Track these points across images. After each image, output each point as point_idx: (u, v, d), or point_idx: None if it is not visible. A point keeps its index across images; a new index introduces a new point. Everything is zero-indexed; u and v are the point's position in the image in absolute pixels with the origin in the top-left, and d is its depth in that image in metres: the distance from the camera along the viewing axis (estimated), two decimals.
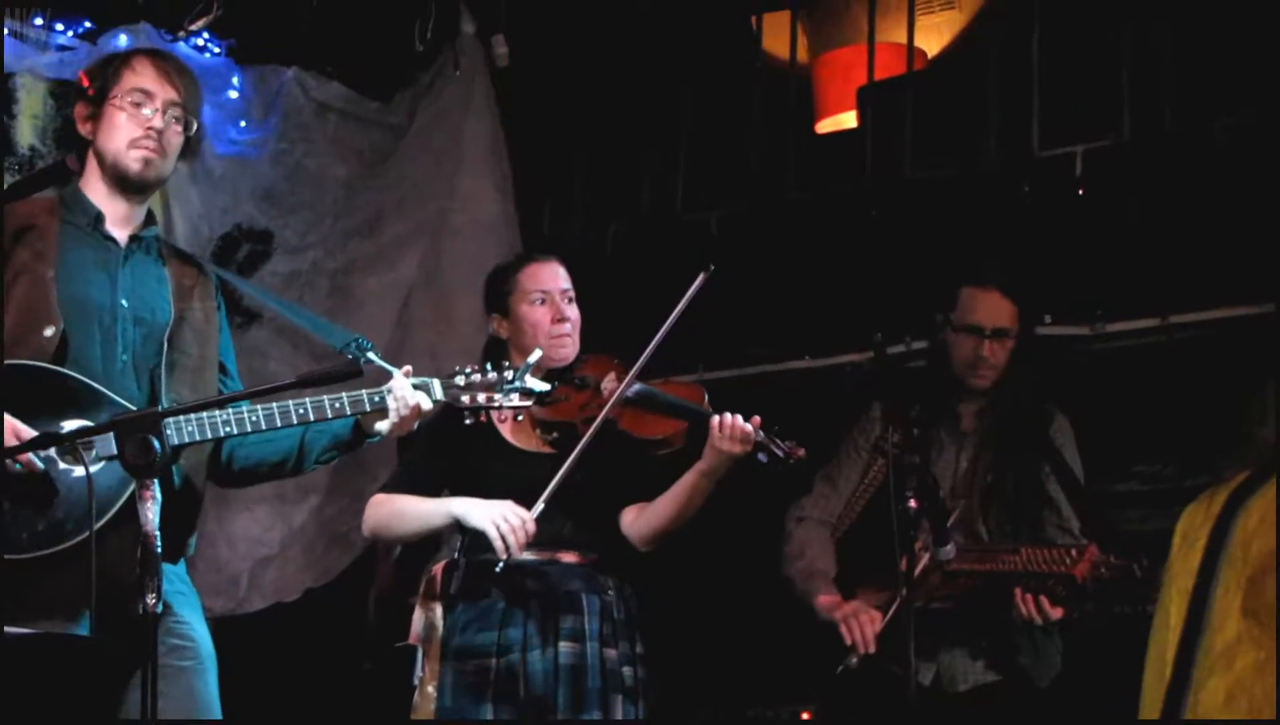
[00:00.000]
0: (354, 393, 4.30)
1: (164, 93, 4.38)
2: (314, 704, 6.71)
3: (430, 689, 4.85)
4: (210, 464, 4.47)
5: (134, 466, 3.50)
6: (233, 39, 7.12)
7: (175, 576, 4.36)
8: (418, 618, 4.97)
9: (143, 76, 4.38)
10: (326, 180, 7.12)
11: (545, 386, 4.47)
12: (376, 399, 4.33)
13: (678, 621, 6.45)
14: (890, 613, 5.18)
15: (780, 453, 4.74)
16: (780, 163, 7.35)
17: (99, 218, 4.36)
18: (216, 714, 4.37)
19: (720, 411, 4.78)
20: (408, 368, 4.42)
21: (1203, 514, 2.48)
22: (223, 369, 4.55)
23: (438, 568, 4.99)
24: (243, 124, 7.12)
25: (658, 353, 4.85)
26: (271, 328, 6.74)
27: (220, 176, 6.99)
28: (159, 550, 3.44)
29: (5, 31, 6.49)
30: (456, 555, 4.96)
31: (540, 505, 4.75)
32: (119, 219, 4.41)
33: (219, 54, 7.11)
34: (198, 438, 4.21)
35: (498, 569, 4.75)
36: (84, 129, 4.41)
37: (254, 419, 4.22)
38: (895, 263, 6.65)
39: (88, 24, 6.73)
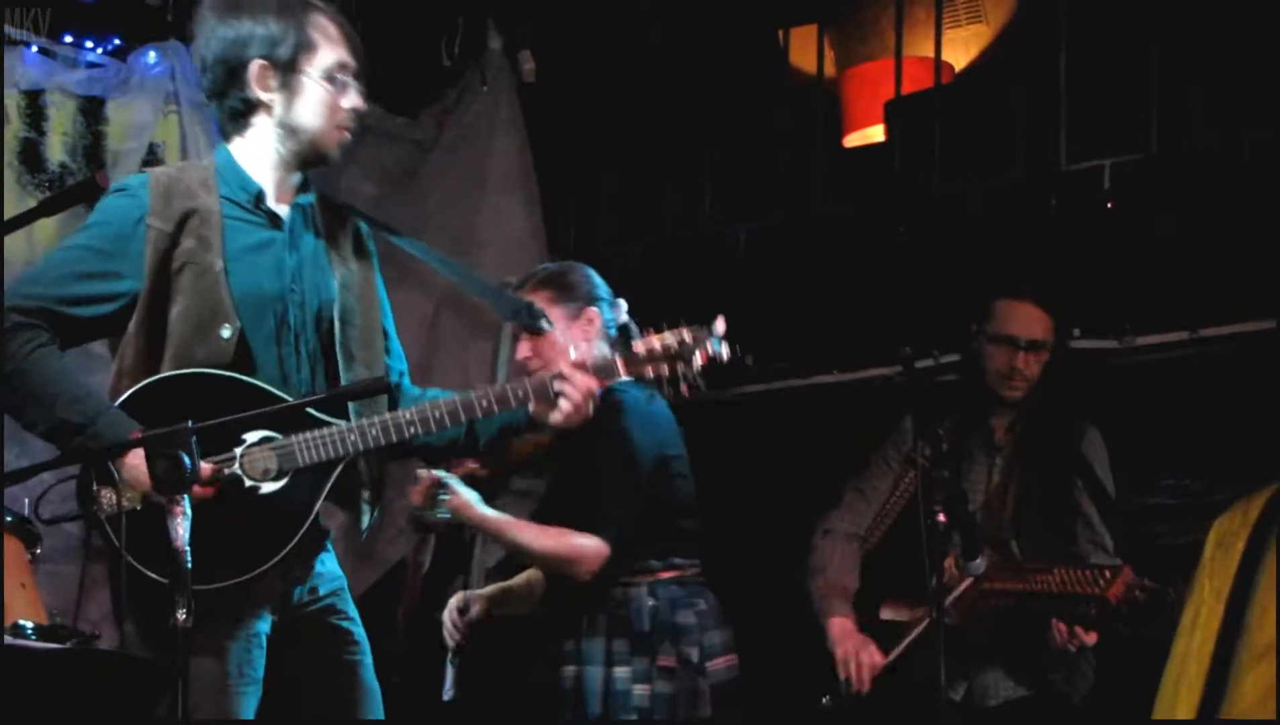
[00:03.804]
0: (516, 382, 4.03)
1: (355, 63, 4.09)
2: None
3: None
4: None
5: (164, 482, 3.44)
6: None
7: (334, 576, 4.22)
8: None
9: (339, 47, 4.05)
10: (354, 196, 7.14)
11: (725, 352, 4.06)
12: (542, 388, 4.02)
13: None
14: (907, 641, 5.18)
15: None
16: (808, 177, 7.35)
17: (260, 195, 4.06)
18: (379, 700, 4.23)
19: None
20: (581, 354, 4.12)
21: (1239, 520, 2.51)
22: (384, 334, 4.27)
23: None
24: None
25: None
26: None
27: None
28: (189, 566, 3.41)
29: (35, 49, 6.53)
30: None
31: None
32: (281, 191, 4.11)
33: None
34: (329, 454, 3.94)
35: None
36: (262, 94, 4.02)
37: (407, 420, 3.95)
38: (923, 277, 6.65)
39: (117, 41, 6.77)
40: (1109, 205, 6.42)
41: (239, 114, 4.08)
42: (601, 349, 4.75)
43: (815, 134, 7.49)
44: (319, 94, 4.03)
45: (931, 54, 7.39)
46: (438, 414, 3.96)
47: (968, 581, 5.06)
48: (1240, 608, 2.42)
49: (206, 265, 3.95)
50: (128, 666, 4.08)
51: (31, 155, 6.46)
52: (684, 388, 4.05)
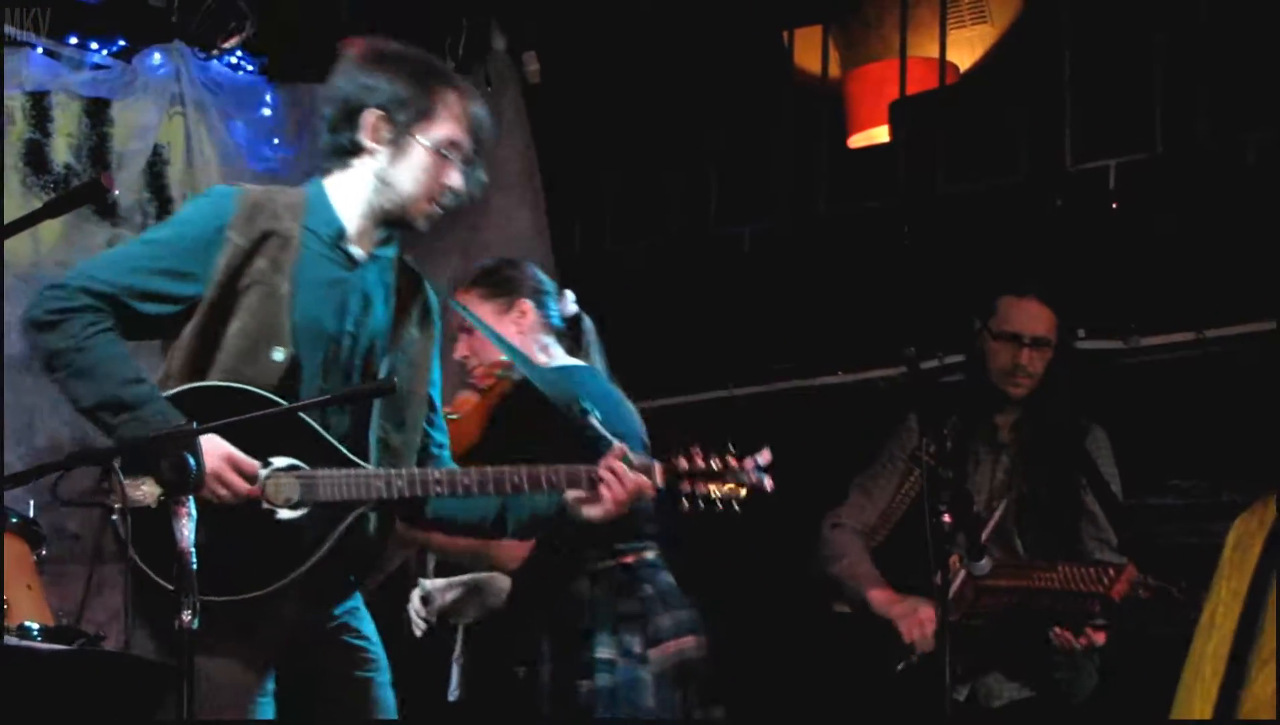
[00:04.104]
0: (551, 467, 4.01)
1: (468, 145, 4.14)
2: None
3: None
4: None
5: (169, 483, 3.42)
6: (265, 57, 7.17)
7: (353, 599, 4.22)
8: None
9: (458, 126, 4.10)
10: None
11: (769, 484, 4.08)
12: (578, 476, 4.04)
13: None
14: (956, 584, 5.17)
15: None
16: (812, 178, 7.35)
17: (341, 234, 4.06)
18: (394, 717, 4.24)
19: None
20: (623, 446, 4.09)
21: (1257, 522, 2.51)
22: (430, 406, 4.24)
23: None
24: (276, 141, 7.16)
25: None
26: None
27: None
28: (195, 568, 3.40)
29: (40, 50, 6.54)
30: None
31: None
32: (362, 235, 4.10)
33: (252, 72, 7.16)
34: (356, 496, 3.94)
35: None
36: (370, 142, 4.06)
37: (435, 478, 3.97)
38: (927, 277, 6.64)
39: (122, 42, 6.78)
40: (1114, 205, 6.42)
41: (344, 152, 4.10)
42: (541, 340, 4.78)
43: (820, 134, 7.50)
44: (423, 161, 4.06)
45: (936, 54, 7.39)
46: (466, 481, 3.98)
47: (960, 575, 5.05)
48: (1255, 609, 2.43)
49: (273, 287, 3.95)
50: (133, 668, 4.08)
51: (36, 156, 6.46)
52: (718, 508, 4.07)
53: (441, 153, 4.07)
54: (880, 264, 6.90)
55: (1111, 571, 4.99)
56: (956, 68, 7.73)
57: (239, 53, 7.06)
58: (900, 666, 5.24)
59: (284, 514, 3.88)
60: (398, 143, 4.05)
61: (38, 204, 6.00)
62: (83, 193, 3.85)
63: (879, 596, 5.36)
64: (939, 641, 4.67)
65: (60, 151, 6.56)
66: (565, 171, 7.64)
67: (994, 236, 6.58)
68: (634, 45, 7.65)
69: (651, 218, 7.68)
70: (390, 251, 4.17)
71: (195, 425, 3.50)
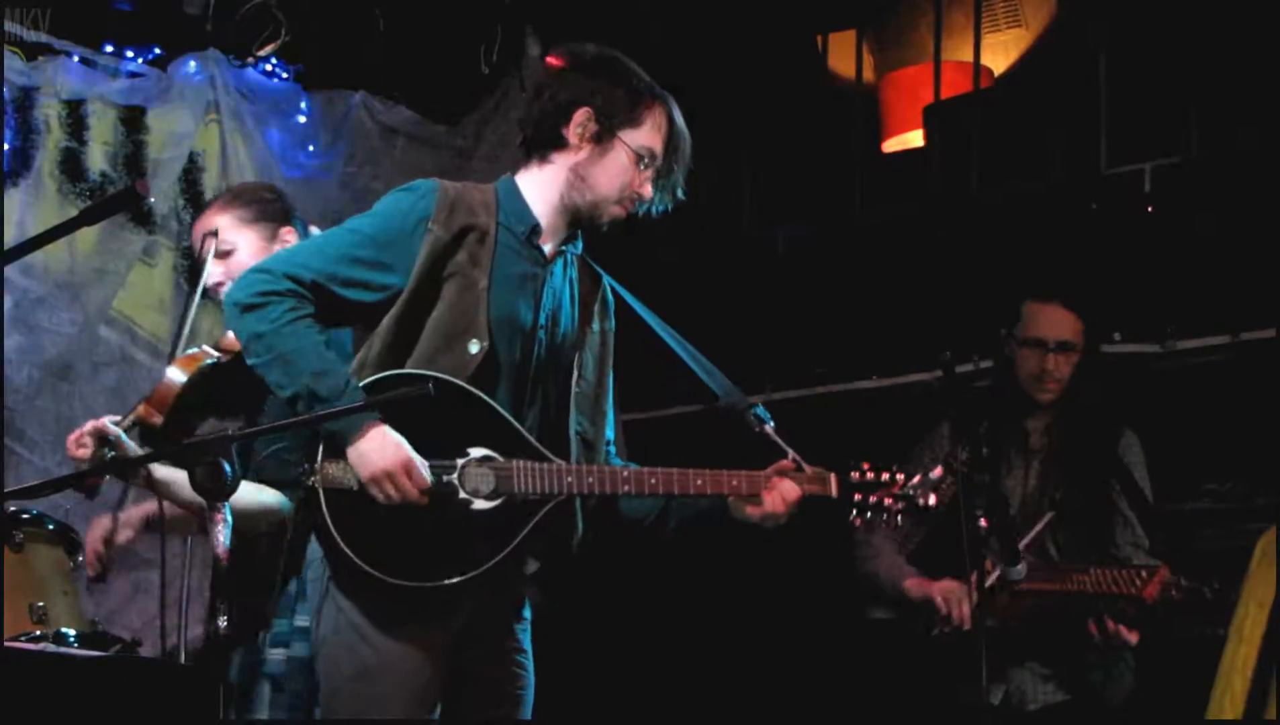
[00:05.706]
0: (734, 473, 4.06)
1: (664, 163, 4.19)
2: None
3: None
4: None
5: (205, 489, 3.43)
6: (301, 64, 7.19)
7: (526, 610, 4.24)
8: None
9: (659, 139, 4.17)
10: None
11: (934, 502, 4.14)
12: (757, 483, 4.07)
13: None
14: (994, 576, 5.16)
15: None
16: (847, 182, 7.34)
17: (535, 230, 4.11)
18: None
19: None
20: (795, 457, 4.11)
21: None
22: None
23: None
24: (311, 148, 7.18)
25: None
26: None
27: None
28: (228, 574, 3.40)
29: (76, 58, 6.58)
30: None
31: None
32: (552, 231, 4.16)
33: (287, 79, 7.18)
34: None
35: None
36: (574, 139, 4.12)
37: (624, 477, 4.02)
38: (962, 281, 6.63)
39: (157, 50, 6.81)
40: (1149, 209, 6.40)
41: (545, 144, 4.15)
42: None
43: (854, 138, 7.49)
44: (622, 163, 4.13)
45: (970, 58, 7.38)
46: (653, 480, 4.02)
47: (994, 579, 5.05)
48: None
49: (472, 280, 4.01)
50: (169, 674, 4.09)
51: (72, 164, 6.49)
52: (884, 518, 4.14)
53: (640, 159, 4.13)
54: (915, 268, 6.89)
55: (1144, 573, 5.00)
56: (991, 72, 7.72)
57: (274, 60, 7.09)
58: (934, 633, 5.25)
59: (479, 504, 3.90)
60: (601, 142, 4.11)
61: (74, 211, 6.03)
62: (118, 200, 3.87)
63: (915, 584, 5.37)
64: (974, 644, 4.66)
65: (96, 159, 6.59)
66: None
67: (1029, 240, 6.57)
68: (668, 50, 7.66)
69: (686, 221, 7.67)
70: (575, 248, 4.23)
71: (231, 431, 3.52)
